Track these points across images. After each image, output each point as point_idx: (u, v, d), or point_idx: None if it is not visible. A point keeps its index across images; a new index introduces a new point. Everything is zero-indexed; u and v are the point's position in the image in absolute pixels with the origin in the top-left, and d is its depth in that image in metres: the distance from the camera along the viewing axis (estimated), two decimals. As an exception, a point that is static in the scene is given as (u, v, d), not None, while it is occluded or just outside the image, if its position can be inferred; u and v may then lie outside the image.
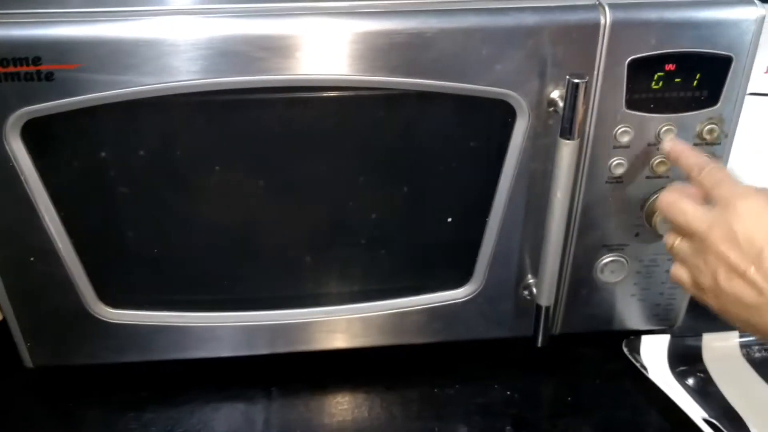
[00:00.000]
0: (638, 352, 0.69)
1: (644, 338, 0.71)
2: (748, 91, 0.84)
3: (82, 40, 0.51)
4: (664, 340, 0.71)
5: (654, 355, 0.70)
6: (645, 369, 0.67)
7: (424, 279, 0.66)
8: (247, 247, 0.64)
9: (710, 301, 0.54)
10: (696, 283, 0.54)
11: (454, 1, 0.54)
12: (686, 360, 0.70)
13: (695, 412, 0.63)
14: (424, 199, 0.62)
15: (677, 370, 0.69)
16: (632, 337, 0.70)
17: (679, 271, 0.56)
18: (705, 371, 0.69)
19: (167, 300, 0.65)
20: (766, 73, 0.82)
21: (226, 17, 0.53)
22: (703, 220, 0.52)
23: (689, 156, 0.57)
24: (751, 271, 0.49)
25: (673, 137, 0.59)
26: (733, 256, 0.50)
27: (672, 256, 0.57)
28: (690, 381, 0.68)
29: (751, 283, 0.49)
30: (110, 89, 0.53)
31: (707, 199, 0.54)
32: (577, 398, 0.67)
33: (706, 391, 0.67)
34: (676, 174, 0.61)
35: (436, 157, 0.60)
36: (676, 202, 0.55)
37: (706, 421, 0.62)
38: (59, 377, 0.67)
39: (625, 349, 0.70)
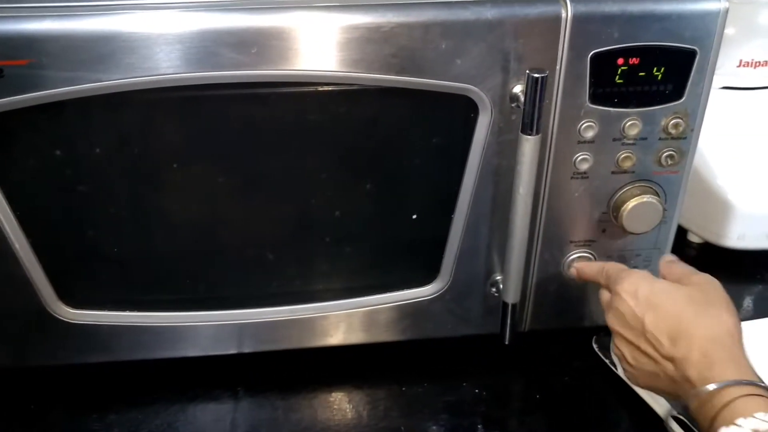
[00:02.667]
0: (608, 349, 0.69)
1: None
2: (722, 85, 0.84)
3: (32, 36, 0.50)
4: None
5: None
6: (614, 366, 0.67)
7: (391, 277, 0.65)
8: (210, 245, 0.63)
9: (632, 380, 0.59)
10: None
11: (412, -6, 0.54)
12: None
13: (664, 409, 0.63)
14: (388, 196, 0.62)
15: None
16: (602, 334, 0.70)
17: None
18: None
19: (130, 299, 0.64)
20: (738, 67, 0.82)
21: (180, 11, 0.51)
22: (606, 312, 0.59)
23: (591, 268, 0.63)
24: (642, 344, 0.55)
25: (577, 265, 0.64)
26: (628, 335, 0.56)
27: None
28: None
29: (645, 354, 0.55)
30: (63, 86, 0.52)
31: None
32: (546, 395, 0.66)
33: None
34: (641, 169, 0.60)
35: (399, 154, 0.60)
36: (601, 296, 0.62)
37: (674, 417, 0.62)
38: (20, 378, 0.66)
39: (595, 346, 0.69)
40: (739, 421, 0.46)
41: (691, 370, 0.51)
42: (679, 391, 0.53)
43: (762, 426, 0.45)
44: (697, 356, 0.51)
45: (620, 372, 0.66)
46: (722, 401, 0.48)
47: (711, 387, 0.49)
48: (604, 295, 0.60)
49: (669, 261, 0.61)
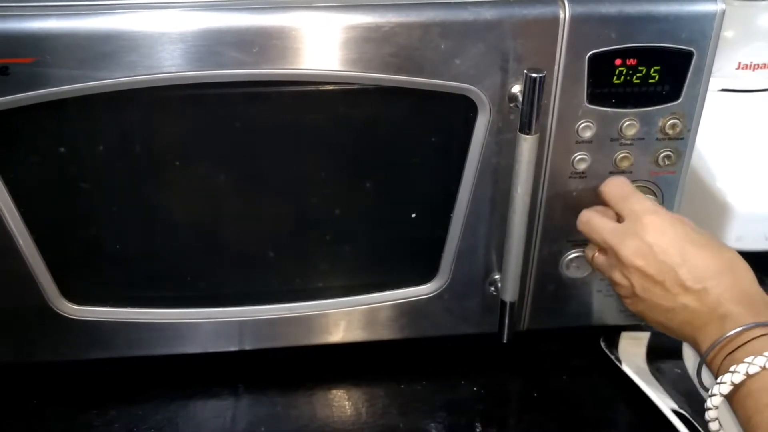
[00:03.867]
0: (616, 348, 0.69)
1: (624, 334, 0.70)
2: (720, 88, 0.85)
3: (37, 34, 0.51)
4: (644, 336, 0.71)
5: (631, 351, 0.70)
6: (620, 362, 0.67)
7: (390, 275, 0.66)
8: (211, 243, 0.64)
9: (630, 306, 0.58)
10: (615, 291, 0.59)
11: (411, -6, 0.54)
12: (664, 355, 0.70)
13: (666, 403, 0.63)
14: (387, 195, 0.62)
15: (654, 365, 0.69)
16: (608, 334, 0.70)
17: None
18: (683, 368, 0.69)
19: (132, 296, 0.64)
20: (737, 69, 0.82)
21: (183, 11, 0.52)
22: (615, 235, 0.57)
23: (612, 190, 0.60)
24: (669, 281, 0.54)
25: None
26: (649, 268, 0.54)
27: (591, 266, 0.62)
28: (667, 376, 0.68)
29: (667, 290, 0.54)
30: (67, 83, 0.52)
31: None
32: (544, 394, 0.67)
33: (683, 387, 0.67)
34: (639, 169, 0.61)
35: (399, 153, 0.60)
36: (591, 220, 0.60)
37: (675, 412, 0.62)
38: (22, 374, 0.67)
39: (603, 344, 0.69)
40: (750, 359, 0.48)
41: (727, 306, 0.51)
42: (695, 323, 0.53)
43: None
44: (735, 294, 0.52)
45: (625, 368, 0.66)
46: (744, 340, 0.49)
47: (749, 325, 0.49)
48: (612, 224, 0.58)
49: (620, 184, 0.59)
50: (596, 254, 0.60)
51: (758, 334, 0.49)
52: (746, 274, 0.53)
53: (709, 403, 0.49)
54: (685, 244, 0.54)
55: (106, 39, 0.52)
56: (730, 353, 0.49)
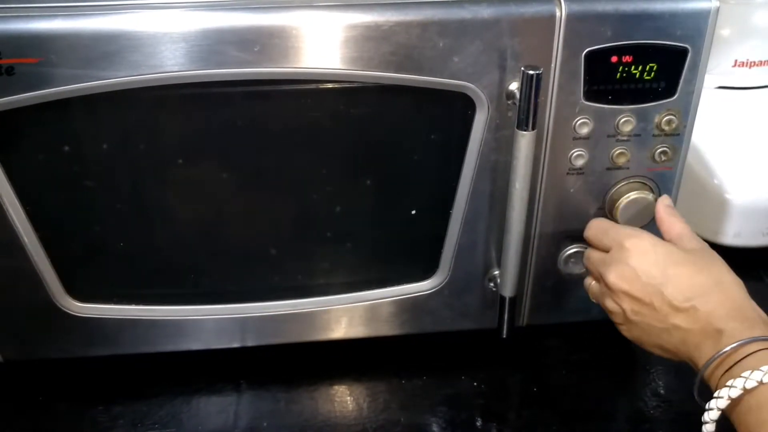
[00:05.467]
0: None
1: None
2: (717, 85, 0.85)
3: (42, 35, 0.52)
4: None
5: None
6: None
7: (391, 271, 0.66)
8: (214, 240, 0.64)
9: (625, 333, 0.59)
10: (612, 320, 0.60)
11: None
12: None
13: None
14: (387, 192, 0.63)
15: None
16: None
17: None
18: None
19: (135, 294, 0.65)
20: (734, 67, 0.83)
21: (185, 10, 0.53)
22: (601, 263, 0.58)
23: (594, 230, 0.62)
24: (657, 302, 0.54)
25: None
26: (634, 291, 0.55)
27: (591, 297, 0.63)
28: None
29: (657, 311, 0.54)
30: (72, 83, 0.53)
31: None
32: (544, 389, 0.68)
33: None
34: (635, 165, 0.61)
35: (398, 150, 0.61)
36: (588, 253, 0.62)
37: None
38: (28, 371, 0.68)
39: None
40: (747, 373, 0.47)
41: (720, 322, 0.51)
42: (690, 342, 0.53)
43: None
44: (726, 309, 0.52)
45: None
46: (741, 355, 0.49)
47: (744, 340, 0.49)
48: (600, 254, 0.60)
49: (667, 206, 0.61)
50: (592, 283, 0.62)
51: (755, 349, 0.49)
52: (736, 288, 0.53)
53: (707, 416, 0.49)
54: (668, 263, 0.55)
55: (110, 39, 0.52)
56: (727, 369, 0.49)
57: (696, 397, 0.52)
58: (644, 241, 0.56)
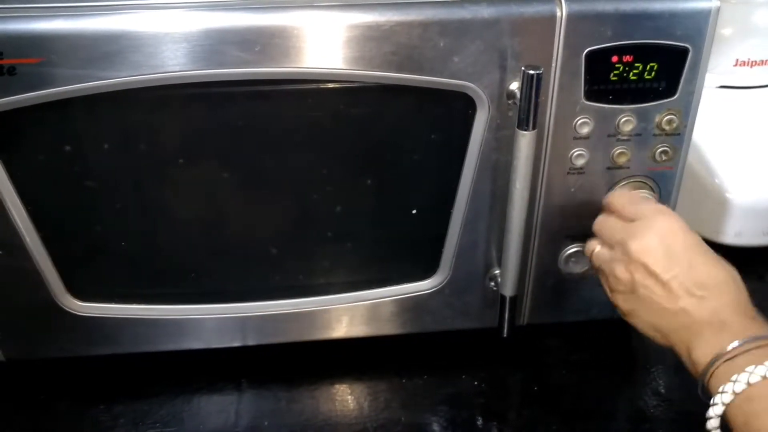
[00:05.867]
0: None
1: None
2: (718, 84, 0.85)
3: (43, 35, 0.52)
4: None
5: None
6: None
7: (391, 271, 0.67)
8: (215, 239, 0.65)
9: (621, 303, 0.59)
10: (610, 287, 0.60)
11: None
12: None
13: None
14: (388, 192, 0.63)
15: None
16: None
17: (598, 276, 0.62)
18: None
19: (137, 293, 0.65)
20: (735, 66, 0.83)
21: (186, 11, 0.53)
22: (626, 231, 0.58)
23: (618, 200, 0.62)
24: (674, 283, 0.54)
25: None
26: (655, 265, 0.55)
27: (590, 260, 0.62)
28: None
29: (670, 291, 0.54)
30: (73, 83, 0.53)
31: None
32: (544, 388, 0.68)
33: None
34: (636, 165, 0.61)
35: (399, 150, 0.61)
36: (606, 220, 0.61)
37: None
38: (30, 370, 0.68)
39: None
40: (751, 368, 0.48)
41: (726, 315, 0.52)
42: (692, 329, 0.53)
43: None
44: (734, 305, 0.53)
45: None
46: (743, 349, 0.50)
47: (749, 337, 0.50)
48: (622, 222, 0.59)
49: (622, 195, 0.61)
50: (599, 248, 0.61)
51: (755, 346, 0.50)
52: (744, 291, 0.55)
53: (711, 412, 0.50)
54: (695, 250, 0.55)
55: (111, 39, 0.52)
56: (727, 360, 0.50)
57: (699, 393, 0.52)
58: (676, 223, 0.56)
